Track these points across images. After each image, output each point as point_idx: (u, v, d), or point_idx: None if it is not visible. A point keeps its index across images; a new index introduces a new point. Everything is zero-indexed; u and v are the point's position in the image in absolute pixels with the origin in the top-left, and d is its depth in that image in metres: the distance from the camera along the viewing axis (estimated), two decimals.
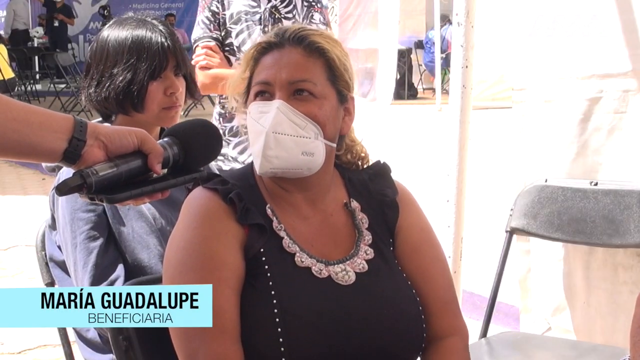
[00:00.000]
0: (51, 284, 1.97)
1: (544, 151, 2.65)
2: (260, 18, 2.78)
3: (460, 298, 2.66)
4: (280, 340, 1.35)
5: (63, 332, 1.99)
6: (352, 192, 1.54)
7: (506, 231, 2.51)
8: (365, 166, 1.61)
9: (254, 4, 2.78)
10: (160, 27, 1.90)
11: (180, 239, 1.42)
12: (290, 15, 2.81)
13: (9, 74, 10.58)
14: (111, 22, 1.94)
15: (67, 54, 13.54)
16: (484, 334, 2.43)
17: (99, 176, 1.12)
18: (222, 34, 2.80)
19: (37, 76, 15.41)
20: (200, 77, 2.73)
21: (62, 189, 1.13)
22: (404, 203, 1.56)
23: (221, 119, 2.88)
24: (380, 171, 1.59)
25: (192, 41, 2.85)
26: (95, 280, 1.79)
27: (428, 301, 1.50)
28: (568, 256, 2.66)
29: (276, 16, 2.79)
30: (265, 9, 2.78)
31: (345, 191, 1.54)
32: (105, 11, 16.19)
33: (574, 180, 2.50)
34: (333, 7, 15.79)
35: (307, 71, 1.45)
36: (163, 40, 1.87)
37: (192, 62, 2.66)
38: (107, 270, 1.80)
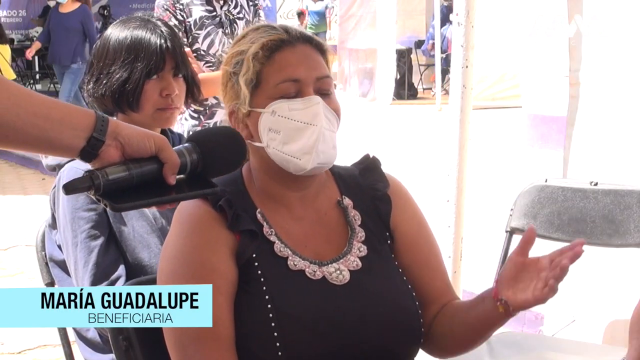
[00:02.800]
0: (51, 284, 1.97)
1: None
2: (220, 21, 3.02)
3: (460, 298, 2.66)
4: (277, 344, 1.35)
5: (63, 332, 1.99)
6: (344, 189, 1.54)
7: (506, 231, 2.51)
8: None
9: (210, 8, 3.02)
10: (162, 28, 1.90)
11: (172, 248, 1.42)
12: (240, 16, 3.08)
13: (10, 75, 10.55)
14: (117, 21, 1.95)
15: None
16: None
17: (108, 179, 1.11)
18: (189, 40, 2.96)
19: (37, 76, 15.38)
20: None
21: (70, 189, 1.12)
22: (396, 195, 1.55)
23: (202, 117, 3.02)
24: (370, 165, 1.58)
25: None
26: (96, 280, 1.79)
27: (427, 291, 1.51)
28: (596, 257, 2.64)
29: (230, 17, 3.05)
30: (222, 12, 3.04)
31: (337, 188, 1.54)
32: (105, 11, 16.16)
33: (574, 180, 2.49)
34: (333, 7, 15.81)
35: (325, 67, 1.48)
36: (162, 41, 1.87)
37: None
38: (108, 269, 1.80)
